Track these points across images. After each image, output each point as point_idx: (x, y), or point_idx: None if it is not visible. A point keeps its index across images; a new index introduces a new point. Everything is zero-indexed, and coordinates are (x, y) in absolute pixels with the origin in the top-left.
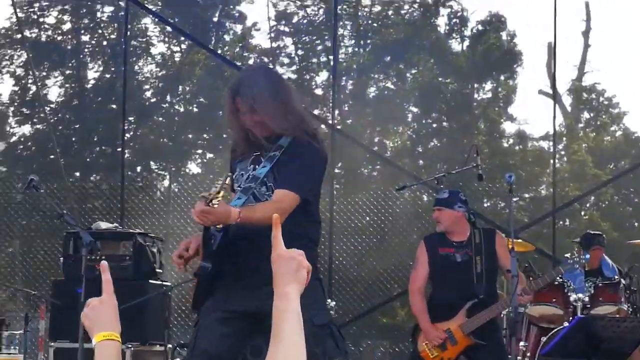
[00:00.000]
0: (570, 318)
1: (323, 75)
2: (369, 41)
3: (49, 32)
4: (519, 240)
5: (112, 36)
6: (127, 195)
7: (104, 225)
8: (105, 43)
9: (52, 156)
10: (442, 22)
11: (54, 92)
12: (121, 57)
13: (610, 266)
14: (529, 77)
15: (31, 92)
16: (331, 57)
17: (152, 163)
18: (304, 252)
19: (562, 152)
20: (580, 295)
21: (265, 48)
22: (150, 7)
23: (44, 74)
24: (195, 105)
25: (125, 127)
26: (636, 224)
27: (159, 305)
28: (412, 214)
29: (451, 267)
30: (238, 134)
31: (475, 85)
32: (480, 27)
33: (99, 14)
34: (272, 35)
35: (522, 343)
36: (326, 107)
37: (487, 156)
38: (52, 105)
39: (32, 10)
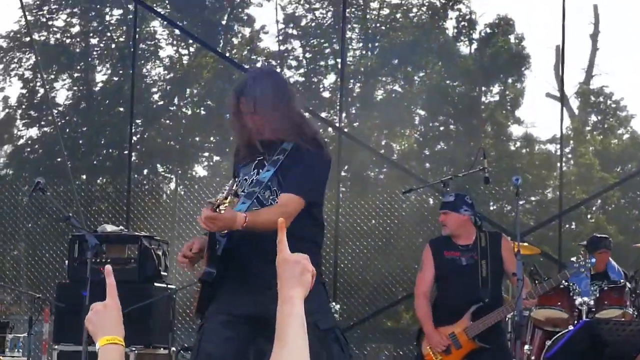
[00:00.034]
0: (575, 321)
1: (331, 78)
2: (376, 44)
3: (58, 35)
4: (525, 244)
5: (121, 39)
6: (133, 198)
7: (109, 228)
8: (113, 46)
9: (59, 159)
10: (450, 25)
11: (62, 95)
12: (129, 60)
13: (617, 269)
14: (536, 80)
15: (39, 94)
16: (339, 60)
17: (158, 166)
18: (309, 255)
19: (569, 155)
20: (585, 298)
21: (274, 51)
22: (158, 10)
23: (52, 76)
24: (202, 108)
25: (133, 130)
26: None
27: (164, 308)
28: (418, 217)
29: (456, 270)
30: (240, 136)
31: (483, 88)
32: (488, 30)
33: (107, 17)
34: (281, 38)
35: (526, 346)
36: (333, 110)
37: (493, 159)
38: (59, 108)
39: (41, 13)
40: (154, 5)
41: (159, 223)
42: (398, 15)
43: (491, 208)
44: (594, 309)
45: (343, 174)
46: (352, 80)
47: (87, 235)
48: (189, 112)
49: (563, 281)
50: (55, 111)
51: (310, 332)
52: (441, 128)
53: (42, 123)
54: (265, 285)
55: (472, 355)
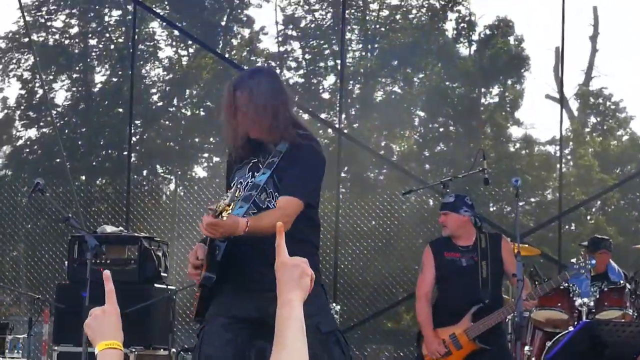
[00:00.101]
0: (576, 322)
1: (330, 79)
2: (376, 45)
3: (57, 36)
4: (525, 245)
5: (120, 40)
6: (132, 199)
7: (109, 229)
8: (112, 47)
9: (58, 160)
10: (449, 27)
11: (61, 95)
12: (128, 60)
13: (617, 271)
14: (536, 82)
15: (38, 95)
16: (338, 61)
17: (158, 167)
18: (308, 258)
19: (569, 157)
20: (585, 299)
21: (273, 52)
22: (158, 11)
23: (51, 77)
24: (202, 109)
25: (132, 131)
26: None
27: (164, 309)
28: (418, 218)
29: (457, 271)
30: (231, 131)
31: (482, 90)
32: (487, 32)
33: (106, 18)
34: (280, 39)
35: (527, 347)
36: (333, 111)
37: (493, 160)
38: (58, 109)
39: (39, 14)
40: (153, 6)
41: (158, 224)
42: (397, 17)
43: (491, 209)
44: (594, 310)
45: (343, 175)
46: (351, 82)
47: (86, 236)
48: (189, 113)
49: (563, 282)
50: (54, 112)
51: (312, 334)
52: (441, 129)
53: (41, 124)
54: (265, 289)
55: (472, 357)
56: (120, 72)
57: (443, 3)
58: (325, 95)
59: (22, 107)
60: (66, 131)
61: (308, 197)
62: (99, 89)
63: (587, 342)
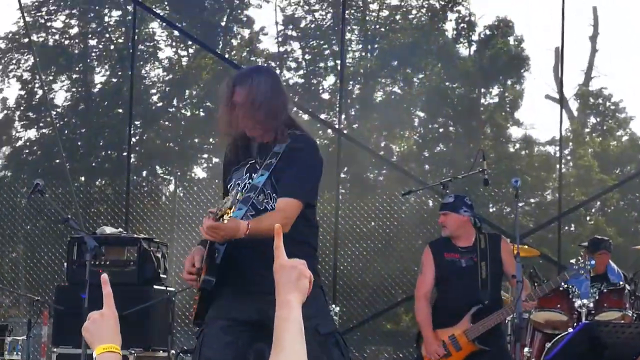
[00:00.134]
0: (575, 324)
1: (330, 80)
2: (376, 46)
3: (56, 37)
4: (524, 246)
5: (120, 40)
6: (132, 200)
7: (108, 230)
8: (112, 47)
9: (57, 160)
10: (449, 27)
11: (61, 96)
12: (128, 61)
13: (616, 271)
14: (535, 82)
15: (37, 96)
16: (338, 62)
17: (157, 167)
18: (306, 259)
19: (569, 157)
20: (584, 301)
21: (273, 52)
22: (157, 11)
23: (51, 78)
24: (201, 110)
25: (132, 132)
26: None
27: (163, 311)
28: (417, 218)
29: (456, 272)
30: (227, 128)
31: (482, 90)
32: (487, 32)
33: (106, 19)
34: (280, 39)
35: (526, 349)
36: (333, 112)
37: (493, 161)
38: (58, 110)
39: (39, 14)
40: (153, 6)
41: (158, 225)
42: (397, 17)
43: (490, 210)
44: (593, 312)
45: (342, 175)
46: (351, 82)
47: (86, 237)
48: (188, 114)
49: (563, 283)
50: (54, 113)
51: (311, 336)
52: (440, 130)
53: (41, 124)
54: (265, 291)
55: (472, 358)
56: (120, 73)
57: (443, 3)
58: (325, 96)
59: (22, 108)
60: (66, 132)
61: (307, 198)
62: (98, 89)
63: (586, 343)
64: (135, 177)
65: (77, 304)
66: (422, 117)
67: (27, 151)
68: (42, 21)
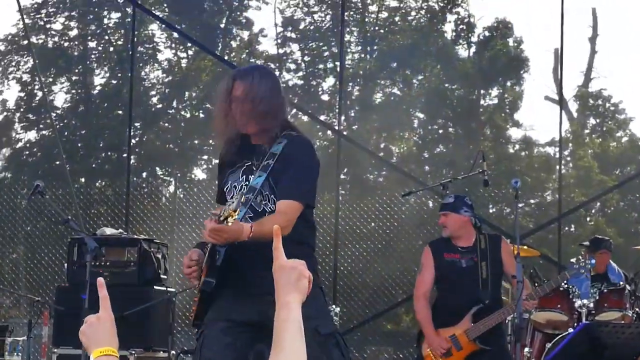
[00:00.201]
0: (575, 324)
1: (330, 81)
2: (375, 47)
3: (56, 39)
4: (524, 247)
5: (119, 42)
6: (132, 201)
7: (108, 231)
8: (111, 49)
9: (57, 162)
10: (448, 28)
11: (60, 98)
12: (128, 63)
13: (617, 271)
14: (535, 83)
15: (37, 98)
16: (338, 63)
17: (157, 169)
18: (306, 260)
19: (568, 158)
20: (585, 301)
21: (272, 54)
22: (157, 13)
23: (50, 80)
24: (201, 111)
25: (131, 133)
26: None
27: (163, 312)
28: (417, 219)
29: (456, 272)
30: (224, 124)
31: (482, 91)
32: (487, 33)
33: (105, 21)
34: (279, 41)
35: (526, 349)
36: (332, 113)
37: (492, 162)
38: (58, 111)
39: (39, 16)
40: (153, 8)
41: (158, 226)
42: (397, 19)
43: (490, 211)
44: (593, 312)
45: (342, 177)
46: (351, 84)
47: (86, 238)
48: (188, 115)
49: (563, 283)
50: (54, 114)
51: (311, 337)
52: (440, 131)
53: (41, 126)
54: (265, 292)
55: (472, 357)
56: (119, 75)
57: (442, 5)
58: (325, 97)
59: (22, 110)
60: (65, 133)
61: (307, 199)
62: (98, 91)
63: (586, 343)
64: (135, 179)
65: (77, 304)
66: (421, 118)
67: (27, 153)
68: (42, 23)
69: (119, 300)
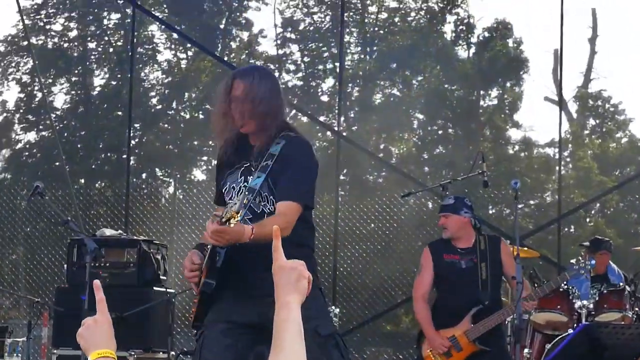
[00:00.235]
0: (575, 325)
1: (329, 82)
2: (375, 48)
3: (56, 39)
4: (524, 248)
5: (119, 43)
6: (131, 202)
7: (108, 232)
8: (111, 50)
9: (57, 163)
10: (448, 29)
11: (60, 99)
12: (127, 64)
13: (617, 272)
14: (534, 84)
15: (37, 99)
16: (337, 64)
17: (157, 170)
18: (305, 261)
19: (568, 159)
20: (584, 302)
21: (272, 55)
22: (156, 14)
23: (50, 80)
24: (201, 112)
25: (131, 134)
26: None
27: (163, 312)
28: (417, 220)
29: (456, 273)
30: (222, 123)
31: (481, 92)
32: (486, 34)
33: (105, 21)
34: (279, 42)
35: (526, 350)
36: (332, 114)
37: (492, 163)
38: (57, 112)
39: (38, 17)
40: (152, 9)
41: (157, 227)
42: (396, 19)
43: (490, 212)
44: (593, 312)
45: (342, 177)
46: (350, 84)
47: (86, 239)
48: (188, 116)
49: (563, 284)
50: (53, 115)
51: (310, 338)
52: (440, 132)
53: (40, 127)
54: (266, 294)
55: (472, 358)
56: (119, 75)
57: (442, 6)
58: (324, 98)
59: (21, 111)
60: (65, 134)
61: (306, 200)
62: (98, 92)
63: (586, 344)
64: (134, 180)
65: (77, 305)
66: (421, 119)
67: (26, 154)
68: (41, 24)
69: (118, 301)
